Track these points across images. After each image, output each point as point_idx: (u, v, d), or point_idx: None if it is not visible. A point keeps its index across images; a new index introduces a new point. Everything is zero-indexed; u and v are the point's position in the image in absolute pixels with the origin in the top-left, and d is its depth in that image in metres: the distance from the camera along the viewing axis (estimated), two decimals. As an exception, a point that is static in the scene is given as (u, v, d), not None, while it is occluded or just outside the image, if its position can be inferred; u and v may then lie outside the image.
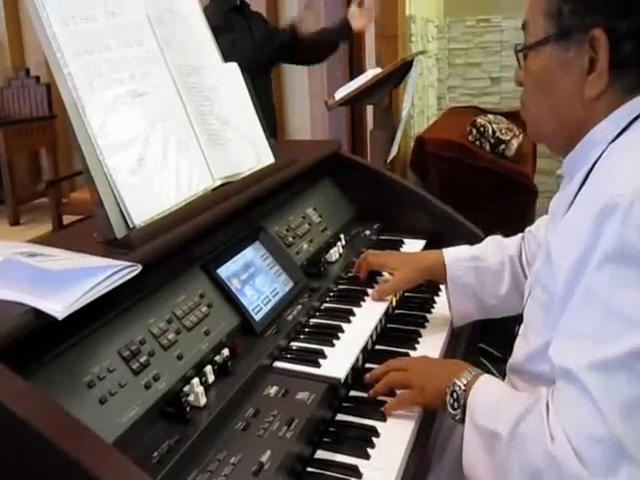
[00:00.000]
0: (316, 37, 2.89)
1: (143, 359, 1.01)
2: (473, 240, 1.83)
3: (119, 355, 0.98)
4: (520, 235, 1.48)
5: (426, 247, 1.83)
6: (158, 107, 1.22)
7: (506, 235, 3.40)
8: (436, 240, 1.84)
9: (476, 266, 1.44)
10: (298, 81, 2.95)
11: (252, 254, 1.36)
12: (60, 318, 0.85)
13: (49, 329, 0.86)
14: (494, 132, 3.23)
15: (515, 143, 3.23)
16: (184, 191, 1.20)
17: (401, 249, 1.79)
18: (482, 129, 3.22)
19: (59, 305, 0.86)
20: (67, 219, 3.66)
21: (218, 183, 1.31)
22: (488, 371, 2.86)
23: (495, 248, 1.46)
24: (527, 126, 1.14)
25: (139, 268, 0.96)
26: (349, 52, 3.44)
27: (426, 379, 1.14)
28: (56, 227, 3.59)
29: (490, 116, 3.49)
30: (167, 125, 1.22)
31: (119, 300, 1.01)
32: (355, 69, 3.40)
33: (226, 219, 1.29)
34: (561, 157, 1.10)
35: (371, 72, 2.59)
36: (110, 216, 1.07)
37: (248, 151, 1.46)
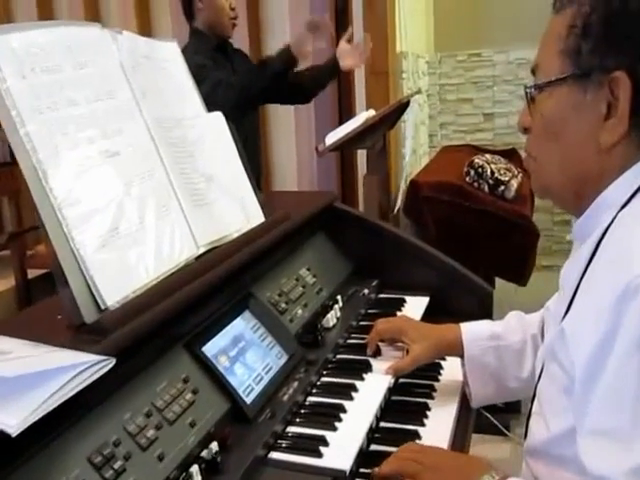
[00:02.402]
0: (303, 75, 2.77)
1: (118, 464, 0.87)
2: (481, 296, 1.74)
3: (89, 462, 0.84)
4: (542, 311, 1.36)
5: (430, 304, 1.70)
6: (134, 167, 1.09)
7: (508, 280, 3.24)
8: (441, 297, 1.72)
9: (497, 345, 1.32)
10: (284, 122, 2.83)
11: (242, 325, 1.23)
12: (14, 434, 0.71)
13: (1, 444, 0.72)
14: (493, 173, 3.12)
15: (515, 184, 3.12)
16: (164, 263, 1.06)
17: (403, 309, 1.66)
18: (480, 170, 3.11)
19: (12, 418, 0.72)
20: (32, 273, 3.46)
21: (203, 250, 1.17)
22: (490, 423, 2.68)
23: (517, 325, 1.34)
24: (532, 179, 1.04)
25: (112, 362, 0.83)
26: (338, 90, 3.34)
27: (441, 477, 1.00)
28: (19, 282, 3.38)
29: (488, 156, 3.39)
30: (144, 188, 1.09)
31: (88, 396, 0.86)
32: (344, 108, 3.30)
33: (212, 290, 1.15)
34: (568, 212, 1.03)
35: (364, 115, 2.49)
36: (77, 297, 0.93)
37: (236, 210, 1.33)
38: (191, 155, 1.26)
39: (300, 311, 1.43)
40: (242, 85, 2.47)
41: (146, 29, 3.72)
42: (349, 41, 2.72)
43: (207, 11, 2.72)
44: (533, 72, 1.00)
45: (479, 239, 3.04)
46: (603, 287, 0.84)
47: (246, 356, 1.18)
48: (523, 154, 1.09)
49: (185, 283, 1.07)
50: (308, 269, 1.57)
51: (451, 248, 3.04)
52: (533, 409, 1.04)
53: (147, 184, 1.10)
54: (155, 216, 1.08)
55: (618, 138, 0.90)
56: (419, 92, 3.36)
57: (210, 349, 1.11)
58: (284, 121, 2.80)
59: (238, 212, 1.35)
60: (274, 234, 1.40)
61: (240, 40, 2.95)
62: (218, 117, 1.43)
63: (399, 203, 2.53)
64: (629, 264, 0.81)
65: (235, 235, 1.30)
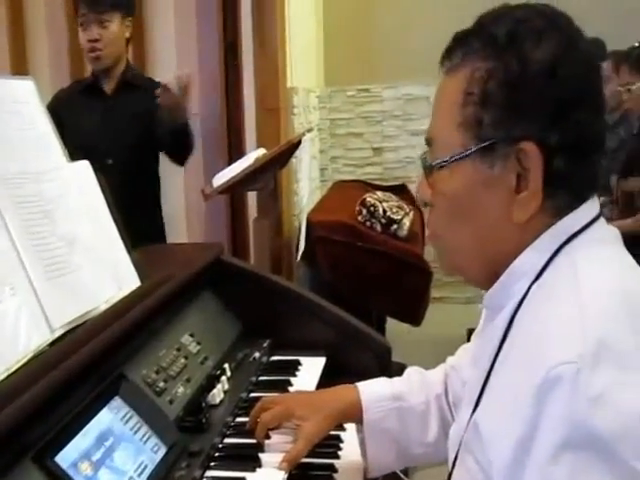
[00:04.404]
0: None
1: None
2: (379, 351, 1.64)
3: None
4: (444, 367, 1.26)
5: (327, 364, 1.57)
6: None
7: (403, 321, 3.20)
8: (338, 355, 1.59)
9: (399, 407, 1.20)
10: (170, 169, 2.63)
11: (109, 418, 1.04)
12: None
13: None
14: (385, 211, 3.08)
15: (407, 222, 3.10)
16: (5, 357, 0.86)
17: (298, 373, 1.52)
18: (372, 209, 3.07)
19: None
20: None
21: (60, 333, 0.98)
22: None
23: (419, 384, 1.23)
24: (439, 257, 0.94)
25: None
26: (227, 127, 3.20)
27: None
28: None
29: (379, 193, 3.35)
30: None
31: None
32: (234, 146, 3.16)
33: (70, 380, 0.96)
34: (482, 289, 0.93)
35: (254, 154, 2.35)
36: None
37: (105, 277, 1.15)
38: (49, 215, 1.07)
39: (182, 389, 1.25)
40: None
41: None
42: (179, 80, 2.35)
43: None
44: (427, 142, 0.90)
45: (373, 280, 2.99)
46: (518, 375, 0.77)
47: (114, 457, 0.99)
48: (414, 190, 0.99)
49: (32, 380, 0.87)
50: (191, 335, 1.40)
51: (345, 290, 2.97)
52: None
53: (-14, 257, 0.90)
54: (-5, 299, 0.88)
55: (533, 212, 0.82)
56: (311, 130, 3.29)
57: (66, 457, 0.91)
58: (169, 167, 2.60)
59: (108, 279, 1.16)
60: (151, 301, 1.22)
61: None
62: (84, 167, 1.25)
63: (301, 249, 2.40)
64: (547, 351, 0.74)
65: (104, 307, 1.11)
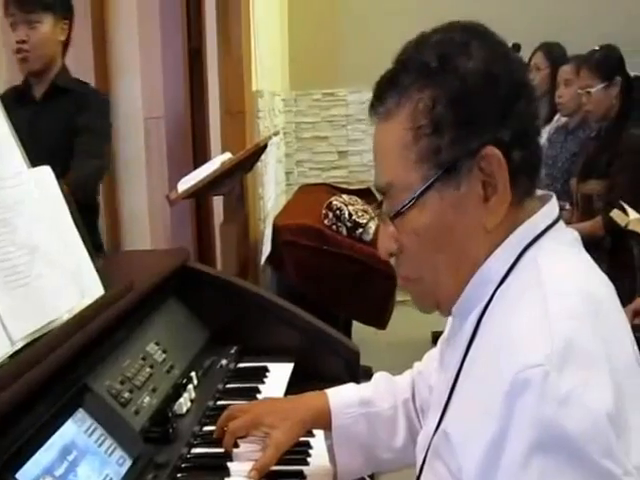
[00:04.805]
0: None
1: None
2: (348, 356, 1.64)
3: None
4: (411, 372, 1.26)
5: (295, 370, 1.56)
6: None
7: (369, 324, 3.20)
8: (306, 360, 1.59)
9: (367, 412, 1.19)
10: (133, 165, 2.58)
11: (72, 431, 1.01)
12: None
13: None
14: (351, 215, 3.09)
15: (372, 226, 3.11)
16: (-37, 371, 0.84)
17: (266, 380, 1.51)
18: (338, 212, 3.07)
19: None
20: None
21: (21, 345, 0.95)
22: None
23: (386, 389, 1.23)
24: (416, 300, 0.93)
25: None
26: (192, 131, 3.16)
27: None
28: None
29: (345, 197, 3.36)
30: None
31: None
32: (199, 150, 3.12)
33: (32, 393, 0.93)
34: None
35: (219, 158, 2.33)
36: None
37: (67, 286, 1.12)
38: (8, 223, 1.04)
39: (147, 399, 1.23)
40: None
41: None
42: None
43: None
44: (382, 192, 0.89)
45: (340, 284, 2.99)
46: (486, 380, 0.77)
47: (78, 471, 0.96)
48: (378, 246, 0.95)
49: (-8, 395, 0.84)
50: (157, 344, 1.37)
51: (312, 294, 2.97)
52: None
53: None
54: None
55: (504, 212, 0.84)
56: (277, 133, 3.27)
57: (27, 473, 0.88)
58: (133, 164, 2.55)
59: (70, 287, 1.13)
60: (115, 310, 1.20)
61: (87, 81, 2.61)
62: (45, 172, 1.22)
63: (267, 251, 2.38)
64: (515, 355, 0.75)
65: (66, 317, 1.09)
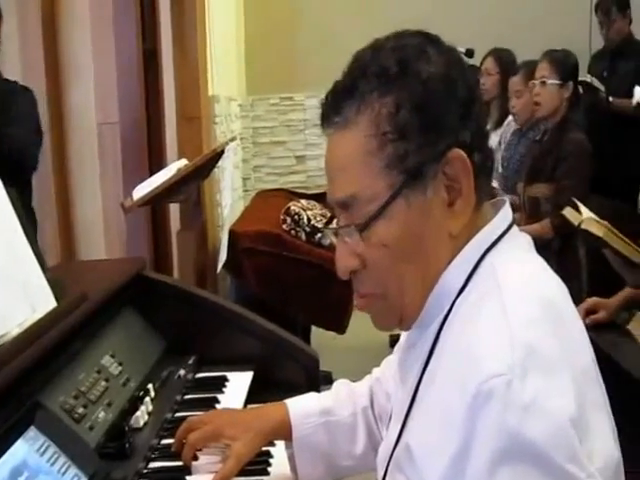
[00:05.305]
0: None
1: None
2: (307, 363, 1.63)
3: None
4: (370, 379, 1.26)
5: (255, 378, 1.55)
6: None
7: (328, 329, 3.20)
8: (265, 369, 1.57)
9: (326, 421, 1.19)
10: (86, 171, 2.52)
11: (23, 450, 0.97)
12: None
13: None
14: (309, 220, 3.08)
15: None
16: None
17: (225, 389, 1.49)
18: (297, 217, 3.07)
19: None
20: None
21: (-33, 362, 0.92)
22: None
23: (346, 397, 1.22)
24: (378, 320, 0.91)
25: None
26: (147, 136, 3.11)
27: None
28: None
29: (303, 201, 3.36)
30: None
31: None
32: (154, 156, 3.07)
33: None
34: None
35: (175, 165, 2.30)
36: None
37: (17, 299, 1.09)
38: (-47, 235, 1.00)
39: (102, 413, 1.20)
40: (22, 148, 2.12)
41: None
42: None
43: None
44: (344, 206, 0.85)
45: (299, 289, 2.98)
46: (449, 392, 0.76)
47: (30, 492, 0.93)
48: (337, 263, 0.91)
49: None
50: (112, 356, 1.34)
51: (271, 300, 2.95)
52: None
53: None
54: None
55: (469, 216, 0.84)
56: (234, 139, 3.25)
57: (-24, 497, 0.85)
58: (87, 171, 2.50)
59: (20, 301, 1.10)
60: (67, 322, 1.17)
61: (37, 85, 2.55)
62: (-7, 181, 1.18)
63: (223, 259, 2.35)
64: (476, 365, 0.74)
65: (16, 332, 1.05)
